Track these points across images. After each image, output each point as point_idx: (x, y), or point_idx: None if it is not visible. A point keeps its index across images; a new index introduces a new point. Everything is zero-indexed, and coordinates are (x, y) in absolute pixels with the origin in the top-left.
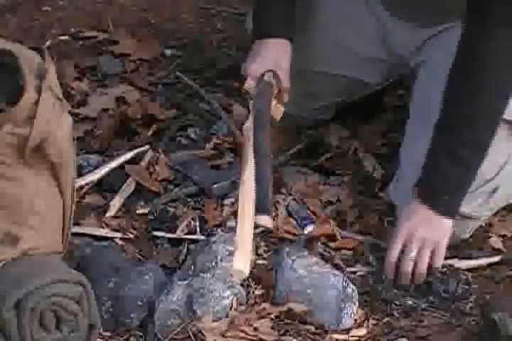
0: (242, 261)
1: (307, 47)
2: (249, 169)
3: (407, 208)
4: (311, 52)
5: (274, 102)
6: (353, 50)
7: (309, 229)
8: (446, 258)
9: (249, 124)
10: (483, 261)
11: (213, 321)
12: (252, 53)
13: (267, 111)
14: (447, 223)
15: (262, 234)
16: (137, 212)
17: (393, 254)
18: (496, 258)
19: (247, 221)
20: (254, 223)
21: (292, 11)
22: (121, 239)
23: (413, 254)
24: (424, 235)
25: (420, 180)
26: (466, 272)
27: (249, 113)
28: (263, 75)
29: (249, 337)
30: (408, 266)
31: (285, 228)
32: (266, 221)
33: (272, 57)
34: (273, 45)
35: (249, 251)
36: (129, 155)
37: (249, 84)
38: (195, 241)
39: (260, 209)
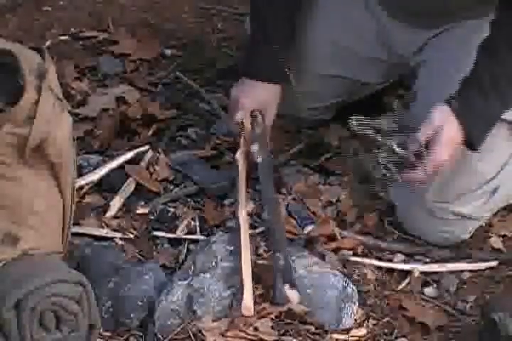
0: (249, 299)
1: (307, 48)
2: (242, 201)
3: (437, 113)
4: (311, 53)
5: (260, 116)
6: (353, 50)
7: (309, 229)
8: (446, 258)
9: (240, 155)
10: (483, 265)
11: (213, 321)
12: (242, 86)
13: (270, 161)
14: (459, 144)
15: (262, 234)
16: (137, 212)
17: (425, 133)
18: (494, 263)
19: (246, 260)
20: (284, 297)
21: (284, 56)
22: (121, 239)
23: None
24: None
25: (460, 91)
26: (466, 272)
27: (242, 142)
28: (253, 114)
29: (249, 337)
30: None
31: (285, 228)
32: (293, 295)
33: (263, 100)
34: (263, 89)
35: (251, 288)
36: (129, 155)
37: (242, 114)
38: (195, 241)
39: (285, 280)
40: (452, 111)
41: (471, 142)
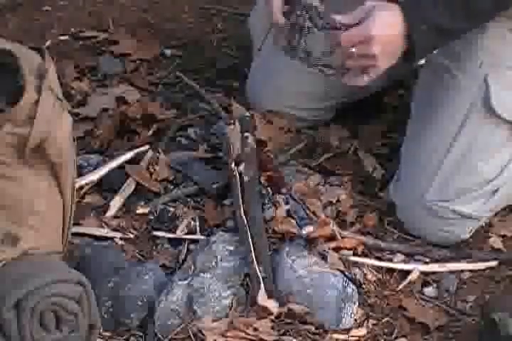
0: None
1: None
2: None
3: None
4: None
5: (251, 138)
6: None
7: (309, 229)
8: (446, 258)
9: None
10: (483, 265)
11: (213, 321)
12: None
13: (257, 180)
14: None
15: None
16: (137, 212)
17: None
18: (494, 263)
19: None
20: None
21: None
22: (121, 239)
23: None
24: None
25: None
26: (466, 272)
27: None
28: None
29: (249, 337)
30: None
31: (285, 228)
32: (272, 305)
33: None
34: None
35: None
36: (129, 155)
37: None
38: (195, 241)
39: (266, 290)
40: (398, 6)
41: (411, 46)
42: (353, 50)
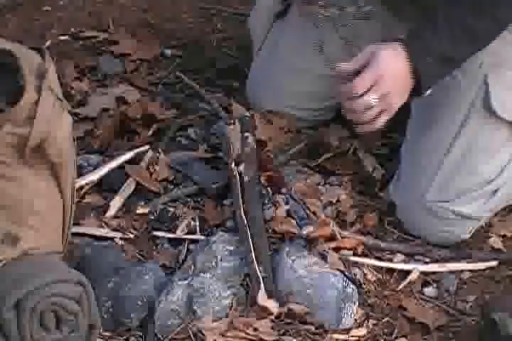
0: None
1: (309, 49)
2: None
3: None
4: (313, 54)
5: (251, 138)
6: (355, 51)
7: (309, 229)
8: (446, 258)
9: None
10: (483, 265)
11: (213, 321)
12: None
13: (257, 180)
14: (410, 84)
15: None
16: (137, 212)
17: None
18: (494, 263)
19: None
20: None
21: None
22: (121, 239)
23: (374, 97)
24: (390, 86)
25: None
26: (466, 272)
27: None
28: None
29: (249, 337)
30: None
31: (285, 228)
32: (272, 305)
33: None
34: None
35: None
36: (129, 155)
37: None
38: (195, 241)
39: (266, 290)
40: (398, 43)
41: (418, 79)
42: (371, 100)
